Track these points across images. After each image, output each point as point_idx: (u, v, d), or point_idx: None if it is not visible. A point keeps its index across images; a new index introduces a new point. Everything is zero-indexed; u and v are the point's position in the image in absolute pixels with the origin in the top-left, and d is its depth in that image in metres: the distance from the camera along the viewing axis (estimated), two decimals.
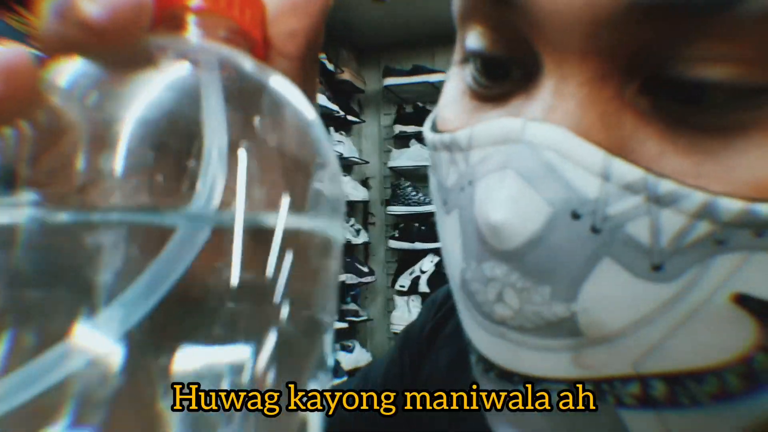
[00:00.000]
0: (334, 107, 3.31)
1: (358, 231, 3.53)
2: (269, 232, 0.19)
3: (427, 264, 3.47)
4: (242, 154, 0.19)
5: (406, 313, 3.48)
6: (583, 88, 0.25)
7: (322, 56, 3.34)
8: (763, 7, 0.22)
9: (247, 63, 0.21)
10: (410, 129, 3.59)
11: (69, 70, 0.19)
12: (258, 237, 0.19)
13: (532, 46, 0.27)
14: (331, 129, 3.41)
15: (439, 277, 3.48)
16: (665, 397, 0.26)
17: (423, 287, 3.45)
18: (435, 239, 3.42)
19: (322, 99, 3.19)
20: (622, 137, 0.25)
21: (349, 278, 3.34)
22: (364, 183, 3.81)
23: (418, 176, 3.66)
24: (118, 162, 0.18)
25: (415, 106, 3.63)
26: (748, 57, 0.22)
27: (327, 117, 3.37)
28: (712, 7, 0.22)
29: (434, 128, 0.34)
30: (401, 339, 0.58)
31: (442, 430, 0.47)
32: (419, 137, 3.56)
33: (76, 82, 0.19)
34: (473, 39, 0.30)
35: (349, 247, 3.53)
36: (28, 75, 0.18)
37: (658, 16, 0.23)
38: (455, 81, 0.33)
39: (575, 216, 0.25)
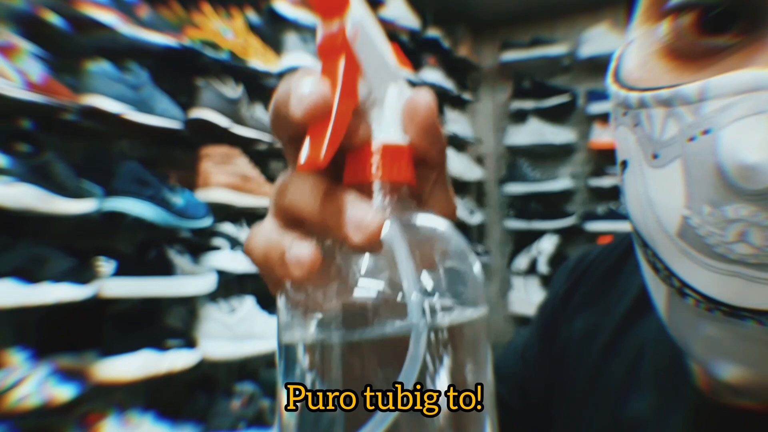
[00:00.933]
0: (449, 86, 3.25)
1: (472, 211, 3.46)
2: (451, 329, 0.30)
3: (546, 243, 3.37)
4: (424, 274, 0.30)
5: (522, 294, 3.40)
6: None
7: (439, 33, 3.28)
8: None
9: (410, 209, 0.32)
10: (528, 105, 3.49)
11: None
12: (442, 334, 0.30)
13: (758, 4, 0.29)
14: (445, 108, 3.36)
15: (559, 257, 3.36)
16: None
17: (542, 268, 3.35)
18: (554, 217, 3.31)
19: (438, 77, 3.13)
20: None
21: None
22: (479, 162, 3.74)
23: (535, 154, 3.55)
24: (362, 291, 0.29)
25: (532, 81, 3.51)
26: None
27: (441, 95, 3.32)
28: None
29: (624, 87, 0.36)
30: (539, 310, 0.61)
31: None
32: (538, 112, 3.45)
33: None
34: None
35: (462, 227, 3.48)
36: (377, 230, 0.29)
37: None
38: (643, 42, 0.35)
39: None
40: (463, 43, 3.46)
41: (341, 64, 0.30)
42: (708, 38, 0.32)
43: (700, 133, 0.30)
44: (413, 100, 0.32)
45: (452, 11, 3.47)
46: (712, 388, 0.41)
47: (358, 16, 0.31)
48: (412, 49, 3.16)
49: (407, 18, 2.92)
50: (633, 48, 0.36)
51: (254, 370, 2.00)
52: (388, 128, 0.32)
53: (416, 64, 3.07)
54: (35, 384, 1.31)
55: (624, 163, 0.36)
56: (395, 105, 0.33)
